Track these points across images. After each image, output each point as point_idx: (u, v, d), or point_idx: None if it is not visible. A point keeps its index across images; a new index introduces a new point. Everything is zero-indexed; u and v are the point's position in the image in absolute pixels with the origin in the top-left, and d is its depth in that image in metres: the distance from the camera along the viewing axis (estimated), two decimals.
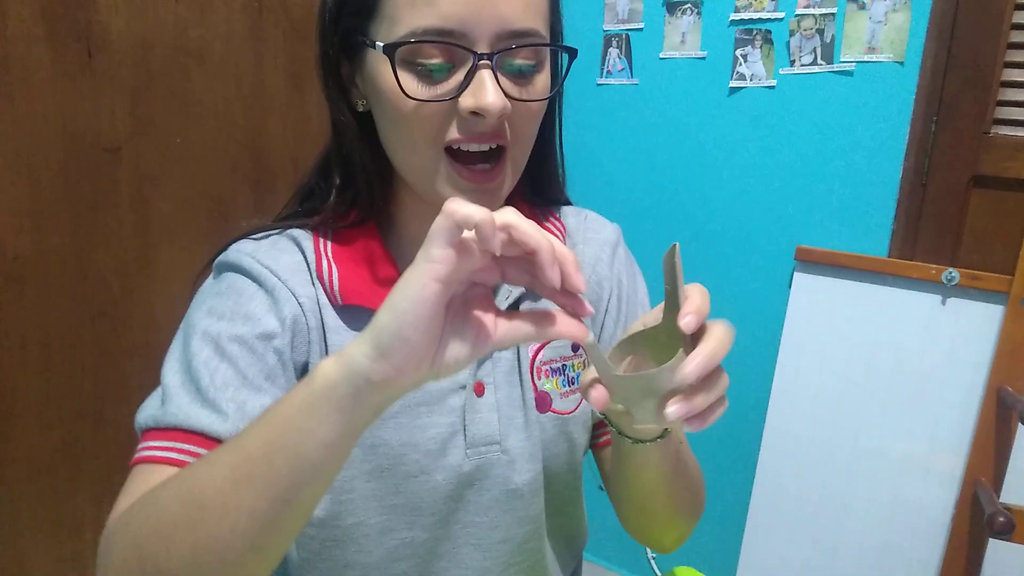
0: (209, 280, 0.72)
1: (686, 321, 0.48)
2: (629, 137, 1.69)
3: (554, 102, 0.76)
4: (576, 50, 0.68)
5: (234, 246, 0.72)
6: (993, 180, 1.35)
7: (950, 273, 1.36)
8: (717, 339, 0.49)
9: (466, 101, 0.61)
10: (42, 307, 1.48)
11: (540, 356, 0.74)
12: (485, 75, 0.61)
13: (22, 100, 1.41)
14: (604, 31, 1.67)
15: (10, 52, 1.39)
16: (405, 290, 0.43)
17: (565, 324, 0.47)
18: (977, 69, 1.32)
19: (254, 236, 0.73)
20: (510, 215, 0.44)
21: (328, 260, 0.70)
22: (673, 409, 0.46)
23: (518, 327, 0.47)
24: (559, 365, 0.76)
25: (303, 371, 0.68)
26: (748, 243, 1.58)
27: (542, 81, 0.66)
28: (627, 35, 1.65)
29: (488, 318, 0.47)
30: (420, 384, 0.46)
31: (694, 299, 0.49)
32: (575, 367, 0.76)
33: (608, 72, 1.69)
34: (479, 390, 0.72)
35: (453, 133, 0.63)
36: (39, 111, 1.43)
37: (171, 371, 0.64)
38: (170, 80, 1.62)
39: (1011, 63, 1.30)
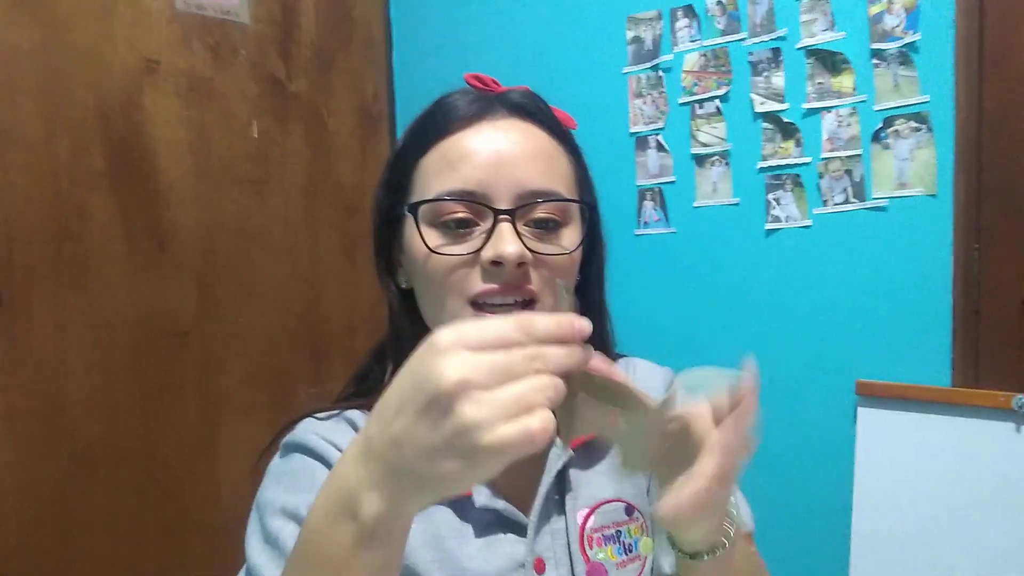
0: (276, 459, 0.74)
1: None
2: (670, 284, 1.72)
3: (596, 260, 0.79)
4: (593, 204, 0.72)
5: (300, 425, 0.75)
6: None
7: (1021, 399, 1.31)
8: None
9: (486, 252, 0.65)
10: (110, 491, 1.51)
11: (590, 523, 0.73)
12: (504, 227, 0.65)
13: (98, 294, 1.51)
14: (637, 186, 1.75)
15: (90, 250, 1.51)
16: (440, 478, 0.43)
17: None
18: (1010, 195, 1.34)
19: (317, 416, 0.75)
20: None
21: None
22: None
23: None
24: (612, 532, 0.73)
25: None
26: (805, 382, 1.55)
27: (568, 236, 0.70)
28: (660, 188, 1.72)
29: None
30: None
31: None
32: (631, 532, 0.74)
33: (645, 223, 1.75)
34: (540, 567, 0.70)
35: (477, 285, 0.66)
36: (113, 303, 1.54)
37: (256, 550, 0.65)
38: (233, 265, 1.73)
39: None
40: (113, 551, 1.50)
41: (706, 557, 0.57)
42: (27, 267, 1.42)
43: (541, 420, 0.40)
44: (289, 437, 0.74)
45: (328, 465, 0.69)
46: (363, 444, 0.46)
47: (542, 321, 0.44)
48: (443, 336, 0.43)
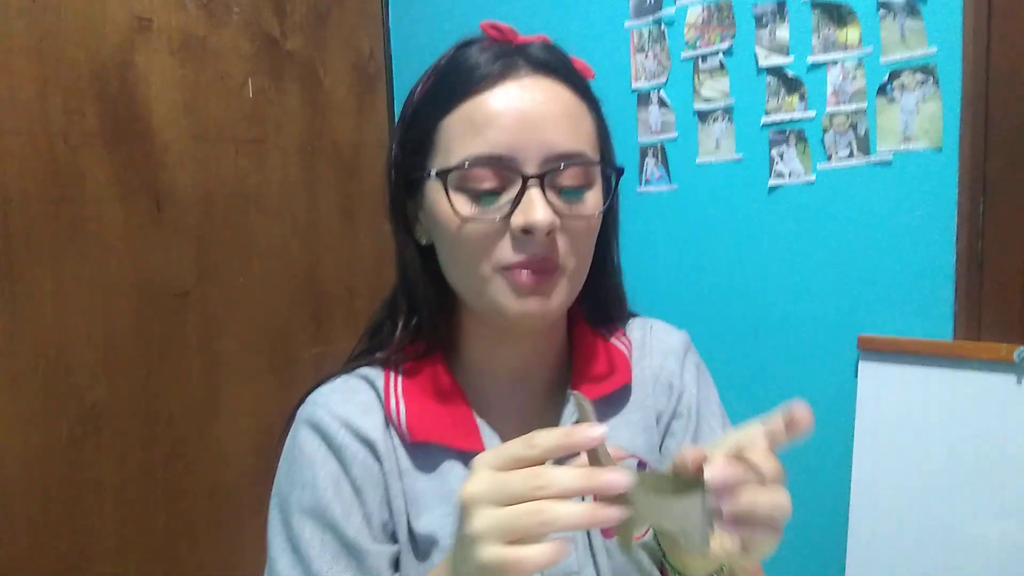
0: (289, 439, 0.75)
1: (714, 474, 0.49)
2: (672, 243, 1.72)
3: (609, 222, 0.79)
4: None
5: (311, 397, 0.75)
6: None
7: (1022, 352, 1.32)
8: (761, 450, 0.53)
9: (516, 219, 0.64)
10: (117, 451, 1.52)
11: None
12: (534, 194, 0.64)
13: (97, 257, 1.51)
14: (639, 143, 1.73)
15: (87, 213, 1.50)
16: None
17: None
18: (1018, 149, 1.32)
19: (331, 382, 0.75)
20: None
21: (396, 398, 0.72)
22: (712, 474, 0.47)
23: None
24: None
25: (389, 508, 0.71)
26: (808, 337, 1.56)
27: (592, 199, 0.69)
28: (662, 145, 1.70)
29: None
30: None
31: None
32: None
33: (647, 180, 1.74)
34: None
35: (507, 254, 0.65)
36: (113, 265, 1.53)
37: (280, 552, 0.69)
38: (232, 225, 1.72)
39: None
40: (121, 510, 1.51)
41: None
42: (25, 232, 1.41)
43: (537, 551, 0.43)
44: (300, 411, 0.75)
45: (331, 446, 0.70)
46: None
47: (546, 436, 0.47)
48: (479, 456, 0.49)
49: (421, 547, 0.69)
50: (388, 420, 0.71)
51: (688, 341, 0.85)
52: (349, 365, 0.77)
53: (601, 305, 0.81)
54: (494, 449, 0.48)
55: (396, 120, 0.77)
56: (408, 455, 0.71)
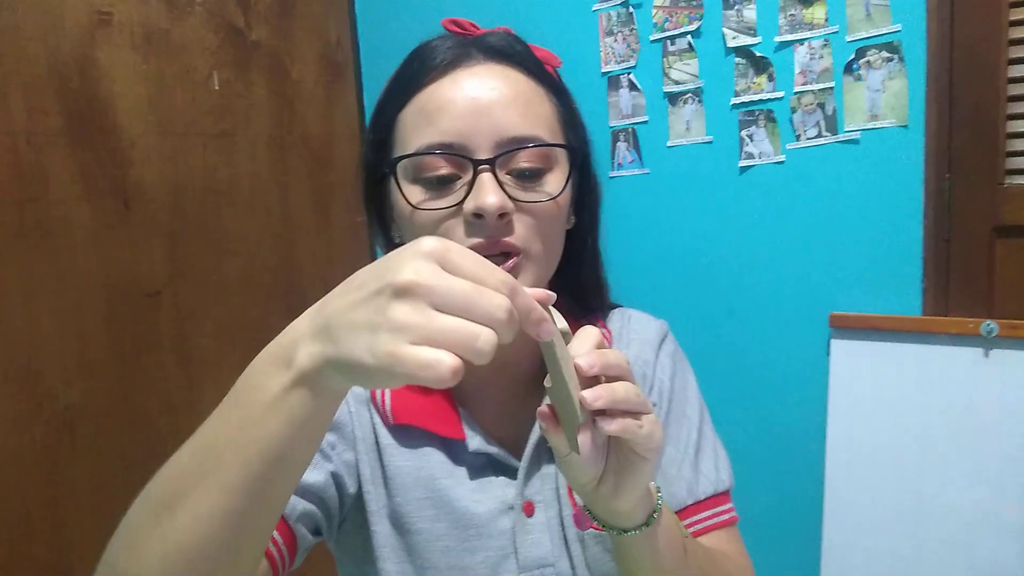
0: None
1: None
2: (646, 225, 1.72)
3: (584, 210, 0.79)
4: (574, 148, 0.71)
5: None
6: (1015, 229, 1.35)
7: (989, 325, 1.34)
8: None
9: (468, 204, 0.64)
10: (93, 453, 1.51)
11: None
12: (485, 178, 0.64)
13: (65, 257, 1.48)
14: (610, 127, 1.73)
15: (52, 214, 1.47)
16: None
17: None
18: (982, 125, 1.34)
19: None
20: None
21: None
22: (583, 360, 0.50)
23: None
24: None
25: (357, 473, 0.71)
26: (781, 315, 1.58)
27: (553, 182, 0.69)
28: (633, 128, 1.70)
29: None
30: None
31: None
32: None
33: (619, 164, 1.74)
34: (529, 510, 0.72)
35: (463, 240, 0.65)
36: (82, 266, 1.51)
37: None
38: (202, 221, 1.70)
39: (1014, 115, 1.33)
40: (100, 511, 1.50)
41: (634, 532, 0.59)
42: None
43: (452, 361, 0.39)
44: None
45: None
46: (321, 302, 0.47)
47: (525, 293, 0.45)
48: (427, 243, 0.43)
49: (395, 523, 0.70)
50: (371, 401, 0.72)
51: (666, 330, 0.86)
52: None
53: (580, 294, 0.81)
54: (460, 250, 0.44)
55: (366, 110, 0.77)
56: (390, 433, 0.72)
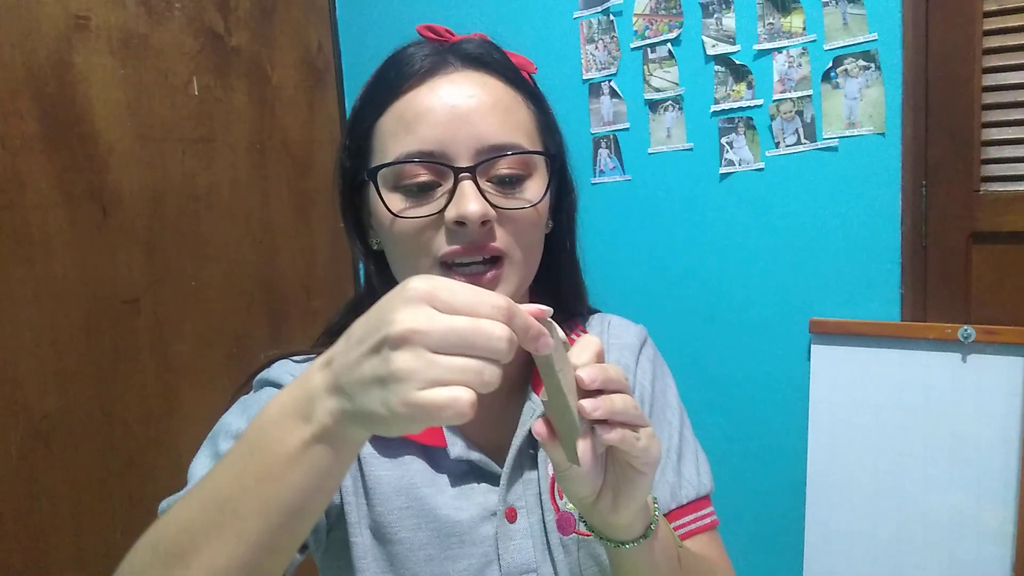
0: (250, 394, 0.74)
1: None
2: (627, 232, 1.73)
3: (563, 217, 0.79)
4: (553, 155, 0.71)
5: (276, 364, 0.75)
6: (991, 235, 1.37)
7: (966, 330, 1.36)
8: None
9: (450, 212, 0.64)
10: (70, 463, 1.49)
11: None
12: (466, 186, 0.64)
13: (42, 264, 1.46)
14: (592, 134, 1.74)
15: (30, 220, 1.45)
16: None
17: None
18: (957, 132, 1.36)
19: (295, 358, 0.75)
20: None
21: None
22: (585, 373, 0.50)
23: None
24: None
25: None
26: (761, 321, 1.59)
27: (533, 189, 0.69)
28: (614, 136, 1.71)
29: None
30: None
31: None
32: None
33: (601, 171, 1.75)
34: (511, 516, 0.72)
35: (444, 247, 0.65)
36: (59, 273, 1.49)
37: (201, 466, 0.66)
38: (182, 227, 1.69)
39: (988, 123, 1.35)
40: (78, 522, 1.48)
41: (632, 545, 0.59)
42: None
43: (468, 396, 0.41)
44: (263, 374, 0.75)
45: None
46: (327, 356, 0.47)
47: (521, 311, 0.45)
48: (415, 285, 0.43)
49: (376, 533, 0.70)
50: None
51: (645, 336, 0.86)
52: (311, 350, 0.77)
53: (559, 298, 0.81)
54: (447, 285, 0.44)
55: (347, 116, 0.77)
56: (370, 443, 0.71)
